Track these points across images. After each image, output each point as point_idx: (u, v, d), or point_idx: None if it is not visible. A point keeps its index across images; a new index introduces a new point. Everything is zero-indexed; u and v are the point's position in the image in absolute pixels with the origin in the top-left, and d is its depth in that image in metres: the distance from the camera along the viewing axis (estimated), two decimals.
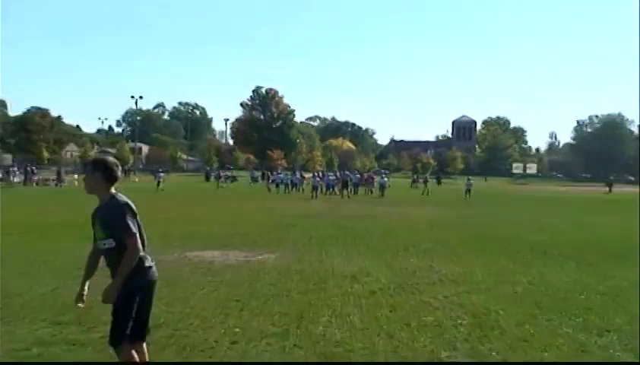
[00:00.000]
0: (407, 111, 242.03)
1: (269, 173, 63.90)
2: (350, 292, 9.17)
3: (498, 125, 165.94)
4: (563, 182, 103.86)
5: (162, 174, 50.42)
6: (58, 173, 54.16)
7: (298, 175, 52.80)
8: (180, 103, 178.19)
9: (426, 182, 67.28)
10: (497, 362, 5.98)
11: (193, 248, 13.67)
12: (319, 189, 41.36)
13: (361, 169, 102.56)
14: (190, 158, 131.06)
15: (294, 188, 46.71)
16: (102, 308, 7.72)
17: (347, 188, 41.29)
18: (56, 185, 50.49)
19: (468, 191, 43.28)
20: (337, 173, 57.44)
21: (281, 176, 53.20)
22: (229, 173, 74.93)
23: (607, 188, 65.23)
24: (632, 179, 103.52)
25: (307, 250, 13.71)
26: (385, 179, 46.39)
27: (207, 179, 69.19)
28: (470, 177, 49.55)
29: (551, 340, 6.80)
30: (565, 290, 9.62)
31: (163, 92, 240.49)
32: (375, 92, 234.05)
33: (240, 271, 10.84)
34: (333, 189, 42.92)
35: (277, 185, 47.79)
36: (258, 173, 73.84)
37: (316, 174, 48.89)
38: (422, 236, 17.17)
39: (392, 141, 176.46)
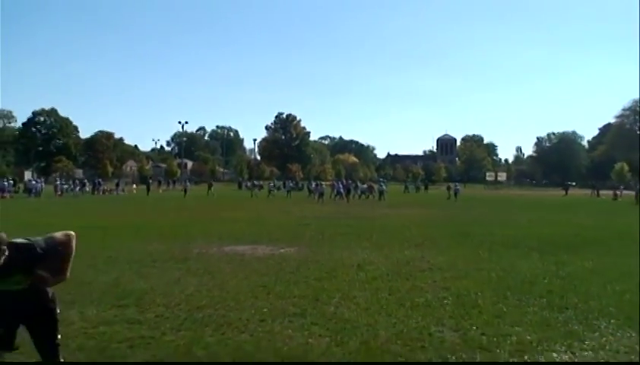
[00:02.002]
0: (401, 130, 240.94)
1: (309, 184, 62.00)
2: (356, 278, 9.11)
3: (474, 141, 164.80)
4: (527, 187, 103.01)
5: (188, 183, 51.79)
6: (117, 184, 54.95)
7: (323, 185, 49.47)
8: (218, 127, 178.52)
9: (418, 188, 67.26)
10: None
11: (228, 243, 13.66)
12: (336, 195, 41.59)
13: (363, 178, 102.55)
14: (226, 171, 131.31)
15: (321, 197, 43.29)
16: (155, 292, 7.77)
17: (350, 194, 41.23)
18: (117, 193, 50.81)
19: (455, 193, 42.98)
20: (341, 182, 57.30)
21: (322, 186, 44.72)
22: (255, 182, 74.94)
23: (564, 192, 64.54)
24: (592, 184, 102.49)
25: (320, 245, 13.65)
26: (384, 186, 46.22)
27: (240, 187, 69.51)
28: (457, 183, 49.28)
29: (520, 317, 6.71)
30: (531, 276, 9.50)
31: (205, 117, 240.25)
32: (375, 115, 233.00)
33: (266, 262, 10.81)
34: (341, 195, 42.79)
35: (321, 195, 39.97)
36: (279, 183, 73.74)
37: (336, 182, 48.90)
38: (414, 232, 17.08)
39: (389, 155, 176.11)
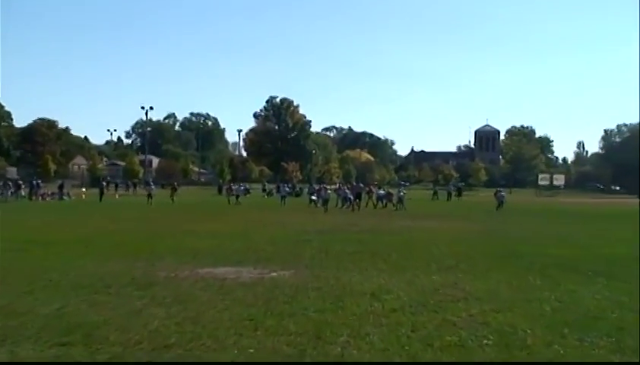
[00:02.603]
0: (428, 120, 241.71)
1: (309, 189, 62.23)
2: (369, 310, 9.11)
3: (522, 134, 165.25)
4: (593, 194, 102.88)
5: (153, 186, 51.92)
6: (61, 187, 54.55)
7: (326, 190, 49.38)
8: (192, 114, 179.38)
9: (450, 194, 67.17)
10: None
11: (204, 264, 13.67)
12: (344, 202, 41.91)
13: (380, 181, 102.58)
14: (202, 170, 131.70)
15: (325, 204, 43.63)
16: (109, 327, 7.78)
17: (362, 200, 41.12)
18: (59, 198, 50.82)
19: (500, 202, 42.74)
20: (348, 186, 57.22)
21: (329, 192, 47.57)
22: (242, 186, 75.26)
23: None
24: None
25: (323, 266, 13.66)
26: (402, 192, 46.13)
27: (220, 191, 69.62)
28: (501, 188, 48.98)
29: (582, 361, 6.69)
30: (596, 308, 9.48)
31: (174, 102, 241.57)
32: (394, 100, 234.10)
33: (254, 288, 10.81)
34: (350, 203, 42.73)
35: (325, 202, 41.43)
36: (270, 187, 73.94)
37: (344, 186, 48.79)
38: (445, 251, 17.07)
39: (412, 151, 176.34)
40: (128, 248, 16.70)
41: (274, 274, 12.54)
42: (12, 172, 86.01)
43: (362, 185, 50.44)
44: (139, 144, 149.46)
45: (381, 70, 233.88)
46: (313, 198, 46.18)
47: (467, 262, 14.71)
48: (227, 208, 41.45)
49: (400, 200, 43.19)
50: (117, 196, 59.39)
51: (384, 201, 45.45)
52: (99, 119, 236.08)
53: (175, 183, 57.63)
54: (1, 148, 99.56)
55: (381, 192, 49.34)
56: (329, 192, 43.92)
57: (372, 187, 55.26)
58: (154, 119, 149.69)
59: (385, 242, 19.50)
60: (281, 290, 10.61)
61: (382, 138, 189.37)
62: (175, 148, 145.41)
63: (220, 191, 70.81)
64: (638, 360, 5.59)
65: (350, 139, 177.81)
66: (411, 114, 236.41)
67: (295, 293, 10.34)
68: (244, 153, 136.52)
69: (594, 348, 7.21)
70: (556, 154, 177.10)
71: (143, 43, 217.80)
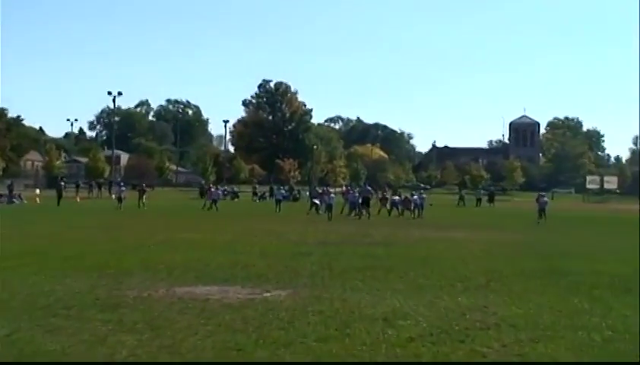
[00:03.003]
0: (453, 110, 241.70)
1: (310, 192, 62.10)
2: (382, 339, 9.11)
3: (567, 127, 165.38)
4: None
5: (123, 188, 51.74)
6: (10, 188, 54.56)
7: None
8: (168, 101, 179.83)
9: (479, 199, 67.15)
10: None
11: (184, 282, 13.69)
12: (352, 208, 42.33)
13: (395, 182, 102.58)
14: (181, 169, 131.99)
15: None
16: (68, 357, 7.77)
17: (368, 207, 41.03)
18: (9, 202, 50.79)
19: (542, 210, 42.60)
20: (353, 189, 57.32)
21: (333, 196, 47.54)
22: (228, 188, 75.43)
23: None
24: None
25: (327, 285, 13.68)
26: (422, 196, 46.14)
27: (202, 194, 69.79)
28: (542, 192, 48.95)
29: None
30: None
31: (148, 87, 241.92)
32: (412, 87, 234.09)
33: (242, 311, 10.81)
34: (358, 209, 42.73)
35: (329, 208, 41.30)
36: (262, 189, 74.13)
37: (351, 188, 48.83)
38: (473, 267, 17.08)
39: (434, 147, 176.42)
40: (92, 261, 16.71)
41: (267, 294, 12.54)
42: None
43: (369, 188, 49.78)
44: (105, 137, 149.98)
45: (398, 48, 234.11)
46: (315, 202, 46.22)
47: (500, 281, 14.72)
48: (209, 215, 41.46)
49: (419, 206, 43.20)
50: (78, 199, 59.43)
51: (401, 208, 45.29)
52: (57, 107, 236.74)
53: (144, 185, 57.55)
54: None
55: (396, 197, 49.05)
56: (333, 195, 43.87)
57: (385, 191, 55.28)
58: (123, 106, 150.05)
59: (401, 256, 19.54)
60: (275, 314, 10.62)
61: (398, 131, 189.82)
62: (148, 142, 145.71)
63: (202, 194, 70.98)
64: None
65: (359, 132, 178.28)
66: (433, 102, 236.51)
67: (292, 318, 10.34)
68: (231, 149, 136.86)
69: None
70: (607, 152, 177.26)
71: (109, 15, 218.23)
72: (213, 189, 56.39)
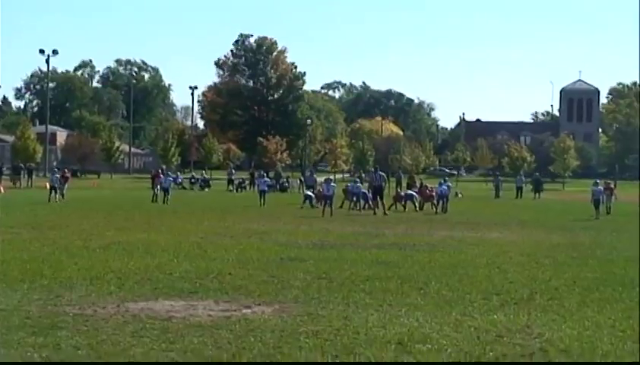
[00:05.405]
0: (486, 76, 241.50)
1: (303, 178, 61.76)
2: None
3: (635, 97, 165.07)
4: None
5: (57, 176, 51.70)
6: None
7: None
8: (118, 62, 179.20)
9: (520, 188, 67.13)
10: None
11: (139, 296, 13.74)
12: (356, 200, 42.75)
13: (411, 167, 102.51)
14: (135, 150, 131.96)
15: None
16: None
17: (382, 199, 40.89)
18: None
19: (597, 203, 42.39)
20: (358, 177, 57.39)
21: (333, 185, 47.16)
22: (197, 175, 75.61)
23: None
24: None
25: (324, 300, 13.74)
26: (447, 184, 45.94)
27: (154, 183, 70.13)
28: (600, 180, 48.66)
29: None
30: None
31: (91, 44, 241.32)
32: (433, 45, 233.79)
33: (215, 333, 10.83)
34: (366, 201, 42.78)
35: (328, 200, 41.23)
36: (239, 177, 74.19)
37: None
38: (513, 277, 17.15)
39: (462, 121, 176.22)
40: (20, 270, 16.72)
41: (247, 311, 12.58)
42: None
43: (382, 173, 49.15)
44: (36, 109, 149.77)
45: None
46: (309, 193, 46.30)
47: (547, 294, 14.78)
48: (171, 211, 41.45)
49: (442, 197, 43.19)
50: (2, 189, 59.31)
51: (420, 202, 45.21)
52: None
53: (66, 169, 57.35)
54: None
55: (410, 191, 48.47)
56: (334, 184, 43.80)
57: (401, 174, 55.22)
58: (60, 69, 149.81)
59: (421, 262, 19.61)
60: (258, 337, 10.64)
61: (416, 100, 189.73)
62: (92, 116, 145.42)
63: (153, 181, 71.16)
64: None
65: (366, 102, 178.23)
66: (460, 65, 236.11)
67: (279, 342, 10.37)
68: (200, 124, 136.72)
69: None
70: None
71: None
72: (162, 176, 55.11)
